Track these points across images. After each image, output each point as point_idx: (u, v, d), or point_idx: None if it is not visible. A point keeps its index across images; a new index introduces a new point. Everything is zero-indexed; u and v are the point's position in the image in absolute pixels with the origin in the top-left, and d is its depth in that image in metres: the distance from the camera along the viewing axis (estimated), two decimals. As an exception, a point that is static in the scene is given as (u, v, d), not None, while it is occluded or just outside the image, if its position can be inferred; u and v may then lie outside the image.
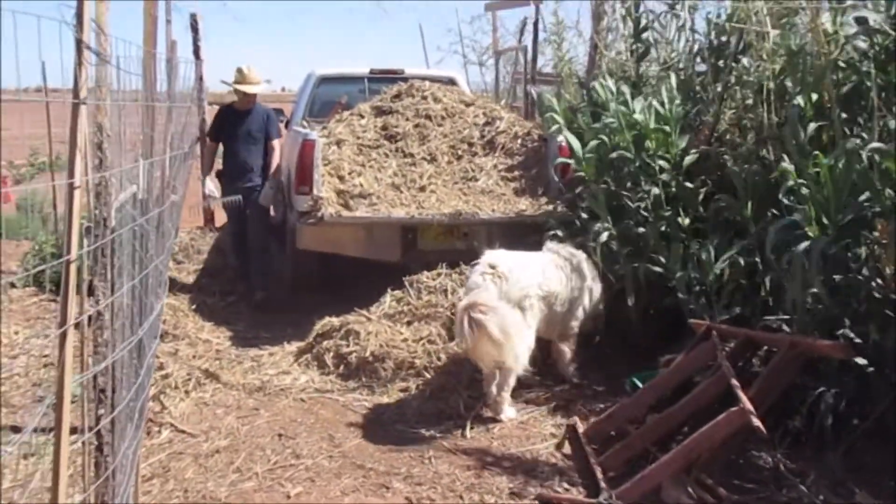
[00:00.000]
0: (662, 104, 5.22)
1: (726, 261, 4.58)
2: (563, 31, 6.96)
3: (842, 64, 4.26)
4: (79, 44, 1.86)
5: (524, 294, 4.68)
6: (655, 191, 5.16)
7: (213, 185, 7.53)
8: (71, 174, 1.81)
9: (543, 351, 5.22)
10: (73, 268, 1.79)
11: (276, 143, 7.37)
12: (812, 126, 4.24)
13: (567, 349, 5.15)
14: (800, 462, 3.87)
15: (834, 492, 3.52)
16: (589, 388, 5.03)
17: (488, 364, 4.58)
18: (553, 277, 4.88)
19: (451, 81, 8.57)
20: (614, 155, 5.46)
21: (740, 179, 4.62)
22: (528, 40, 10.81)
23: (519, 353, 4.56)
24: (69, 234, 1.80)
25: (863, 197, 3.77)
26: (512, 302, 4.62)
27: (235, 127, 7.31)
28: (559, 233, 5.72)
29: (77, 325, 2.78)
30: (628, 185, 5.42)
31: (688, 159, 5.17)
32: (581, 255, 5.25)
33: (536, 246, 5.35)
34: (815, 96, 4.30)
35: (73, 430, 3.00)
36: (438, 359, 5.18)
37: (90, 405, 2.82)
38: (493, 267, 4.69)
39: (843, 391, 3.86)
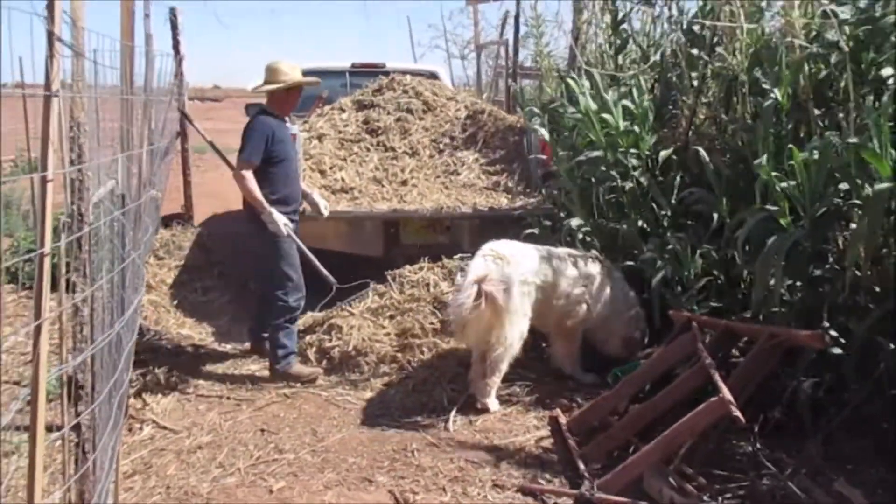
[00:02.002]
0: (633, 101, 5.24)
1: (699, 254, 4.61)
2: (543, 24, 6.96)
3: (814, 55, 4.29)
4: (50, 35, 1.85)
5: (523, 279, 4.71)
6: (630, 185, 5.18)
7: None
8: (44, 167, 1.79)
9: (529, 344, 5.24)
10: (46, 261, 1.78)
11: None
12: (786, 119, 4.27)
13: (560, 347, 5.13)
14: (779, 451, 3.91)
15: (813, 480, 3.54)
16: (572, 381, 5.04)
17: (480, 342, 4.61)
18: (552, 269, 4.89)
19: (433, 75, 8.59)
20: (584, 157, 5.49)
21: (714, 173, 4.64)
22: (509, 34, 10.81)
23: (512, 338, 4.60)
24: (42, 227, 1.78)
25: (838, 188, 3.81)
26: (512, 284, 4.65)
27: (287, 142, 5.30)
28: (535, 231, 5.73)
29: (55, 321, 2.76)
30: (603, 180, 5.44)
31: (662, 154, 5.20)
32: (603, 262, 5.17)
33: (517, 240, 5.35)
34: (790, 90, 4.33)
35: (56, 428, 3.00)
36: (421, 353, 5.19)
37: (69, 401, 2.81)
38: (495, 251, 4.76)
39: (821, 381, 3.90)
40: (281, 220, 5.05)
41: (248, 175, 5.01)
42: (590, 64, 6.23)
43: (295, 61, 5.35)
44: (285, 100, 5.28)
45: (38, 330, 1.77)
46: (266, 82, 5.22)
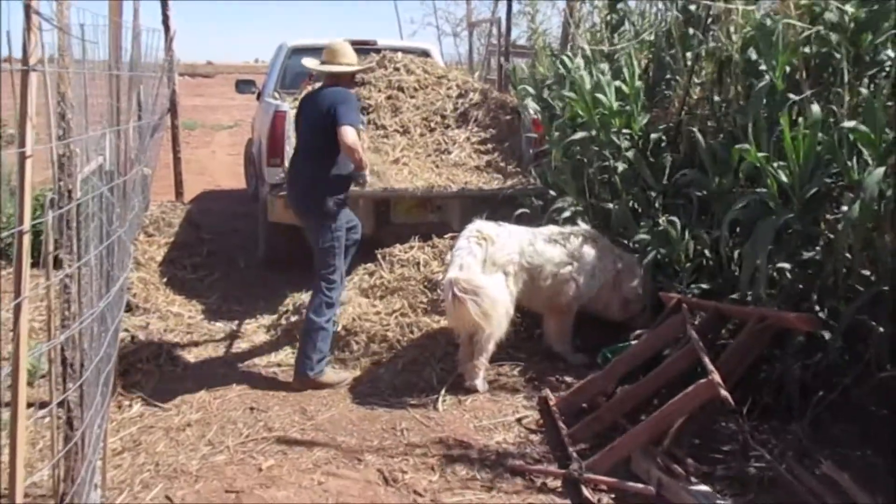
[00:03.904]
0: (625, 81, 5.21)
1: (690, 236, 4.60)
2: (536, 2, 6.92)
3: (812, 36, 4.26)
4: (27, 8, 1.81)
5: (508, 259, 4.73)
6: (622, 166, 5.17)
7: None
8: (22, 143, 1.76)
9: (519, 324, 5.25)
10: (26, 239, 1.76)
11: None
12: (780, 101, 4.25)
13: (553, 324, 5.12)
14: (767, 434, 3.93)
15: (800, 463, 3.57)
16: (561, 362, 5.04)
17: (467, 330, 4.66)
18: (538, 249, 4.89)
19: (425, 53, 8.51)
20: (578, 136, 5.46)
21: (708, 153, 4.62)
22: (502, 12, 10.76)
23: (497, 320, 4.61)
24: (21, 204, 1.76)
25: (829, 171, 3.80)
26: (497, 266, 4.68)
27: None
28: (527, 211, 5.71)
29: (44, 298, 2.74)
30: (595, 160, 5.43)
31: (653, 135, 5.17)
32: (590, 234, 5.14)
33: (508, 219, 5.33)
34: (787, 69, 4.30)
35: (44, 405, 2.98)
36: (411, 332, 5.18)
37: (58, 379, 2.80)
38: (480, 231, 4.77)
39: (809, 364, 3.91)
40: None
41: (353, 129, 4.75)
42: (584, 42, 6.20)
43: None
44: (352, 79, 5.25)
45: (17, 308, 1.75)
46: (327, 62, 5.05)
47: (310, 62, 5.26)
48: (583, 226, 5.20)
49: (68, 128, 2.59)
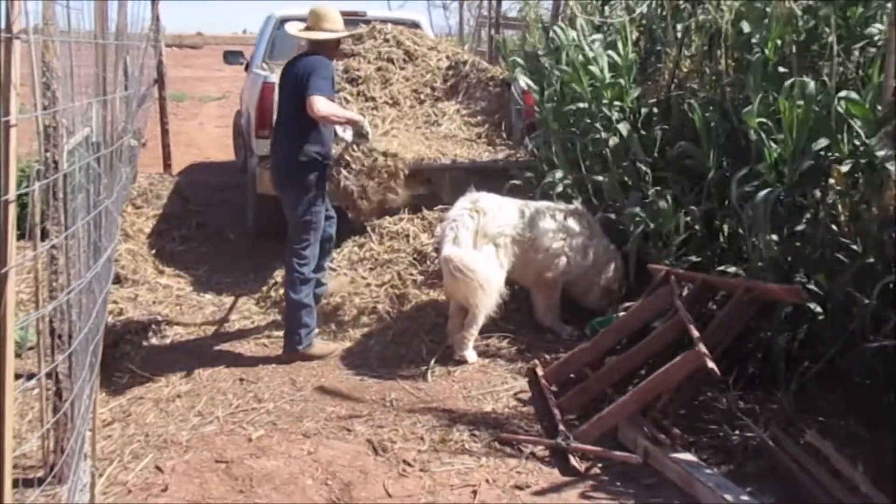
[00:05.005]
0: (617, 53, 5.19)
1: (682, 210, 4.61)
2: (528, -27, 6.87)
3: (800, 10, 4.25)
4: (9, -26, 1.79)
5: (499, 231, 4.77)
6: (613, 139, 5.16)
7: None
8: (6, 112, 1.75)
9: (509, 296, 5.27)
10: (11, 209, 1.76)
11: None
12: (773, 73, 4.24)
13: (541, 299, 5.15)
14: (753, 403, 3.96)
15: (785, 432, 3.61)
16: (550, 333, 5.07)
17: (460, 301, 4.73)
18: (531, 223, 4.91)
19: (415, 24, 8.44)
20: (572, 107, 5.45)
21: (704, 126, 4.61)
22: (493, -17, 10.67)
23: (488, 291, 4.64)
24: (6, 173, 1.75)
25: (821, 144, 3.80)
26: (488, 237, 4.73)
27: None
28: (518, 183, 5.71)
29: (31, 270, 2.74)
30: (587, 133, 5.42)
31: (644, 108, 5.16)
32: (582, 214, 5.18)
33: (499, 192, 5.33)
34: (779, 42, 4.29)
35: (32, 376, 2.98)
36: (400, 304, 5.19)
37: (46, 350, 2.80)
38: (473, 203, 4.82)
39: (795, 335, 3.94)
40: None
41: (321, 97, 4.50)
42: (575, 15, 6.16)
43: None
44: (335, 46, 5.03)
45: (4, 277, 1.75)
46: (310, 28, 4.87)
47: (293, 27, 5.07)
48: (578, 205, 5.22)
49: (54, 98, 2.58)
